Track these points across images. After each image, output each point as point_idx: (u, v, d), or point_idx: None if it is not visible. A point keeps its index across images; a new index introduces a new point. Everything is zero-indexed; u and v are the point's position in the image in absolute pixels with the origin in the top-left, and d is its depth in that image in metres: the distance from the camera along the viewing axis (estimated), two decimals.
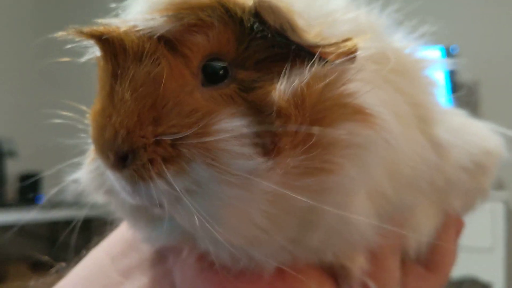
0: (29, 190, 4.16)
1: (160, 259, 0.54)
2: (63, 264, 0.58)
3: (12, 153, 4.06)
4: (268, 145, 0.41)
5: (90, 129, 0.44)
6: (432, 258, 0.60)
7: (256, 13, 0.44)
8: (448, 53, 3.10)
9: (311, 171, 0.41)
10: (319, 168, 0.42)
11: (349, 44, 0.45)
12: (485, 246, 2.85)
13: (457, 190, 0.60)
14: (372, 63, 0.46)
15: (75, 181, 0.52)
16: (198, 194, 0.41)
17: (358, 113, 0.43)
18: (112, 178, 0.44)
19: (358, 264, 0.51)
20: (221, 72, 0.44)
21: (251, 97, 0.43)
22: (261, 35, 0.44)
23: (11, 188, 4.24)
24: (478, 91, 3.36)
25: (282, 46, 0.44)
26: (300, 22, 0.45)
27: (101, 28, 0.44)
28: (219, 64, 0.44)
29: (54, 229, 4.35)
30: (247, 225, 0.41)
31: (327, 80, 0.42)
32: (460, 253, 0.65)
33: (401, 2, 0.57)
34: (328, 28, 0.46)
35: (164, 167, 0.41)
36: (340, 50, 0.44)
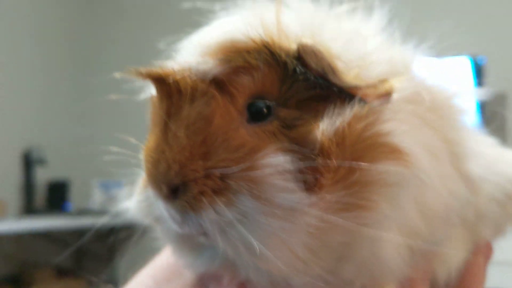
0: (57, 197, 4.25)
1: (201, 286, 0.57)
2: (110, 286, 0.62)
3: (41, 161, 4.16)
4: (310, 180, 0.44)
5: (144, 163, 0.47)
6: (461, 286, 0.62)
7: (299, 57, 0.47)
8: (476, 64, 3.08)
9: (349, 207, 0.44)
10: (356, 205, 0.44)
11: (386, 85, 0.48)
12: (510, 259, 2.82)
13: (488, 221, 0.61)
14: (407, 103, 0.49)
15: (126, 210, 0.56)
16: (244, 224, 0.44)
17: (393, 152, 0.46)
18: (163, 208, 0.47)
19: None
20: (265, 110, 0.47)
21: (293, 134, 0.46)
22: (303, 77, 0.47)
23: (40, 196, 4.33)
24: (506, 104, 3.32)
25: (323, 87, 0.47)
26: (340, 65, 0.48)
27: (158, 70, 0.47)
28: (263, 103, 0.48)
29: (80, 236, 4.42)
30: (288, 255, 0.44)
31: (367, 121, 0.46)
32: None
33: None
34: (365, 70, 0.49)
35: (215, 198, 0.44)
36: (378, 92, 0.47)
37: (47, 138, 4.31)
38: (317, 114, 0.47)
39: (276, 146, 0.45)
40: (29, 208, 4.17)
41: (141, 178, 0.55)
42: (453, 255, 0.59)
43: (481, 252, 0.64)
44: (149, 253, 0.62)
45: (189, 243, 0.52)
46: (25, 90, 4.28)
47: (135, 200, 0.55)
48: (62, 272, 4.10)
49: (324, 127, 0.45)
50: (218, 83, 0.47)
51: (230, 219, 0.44)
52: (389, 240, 0.47)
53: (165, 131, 0.46)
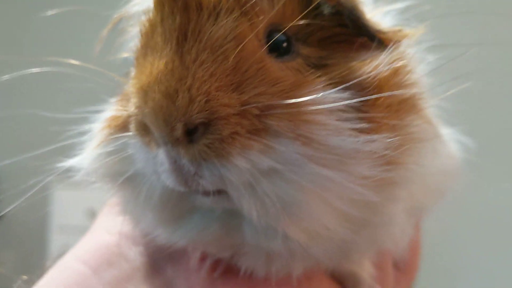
0: None
1: (156, 270, 0.47)
2: (25, 277, 0.48)
3: None
4: (365, 123, 0.37)
5: (145, 94, 0.35)
6: (406, 260, 0.60)
7: None
8: None
9: (388, 161, 0.38)
10: (392, 162, 0.38)
11: (404, 34, 0.44)
12: None
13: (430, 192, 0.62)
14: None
15: (77, 168, 0.43)
16: (281, 175, 0.35)
17: (416, 107, 0.42)
18: (166, 157, 0.36)
19: (368, 271, 0.50)
20: (284, 44, 0.40)
21: (329, 74, 0.39)
22: (326, 12, 0.41)
23: None
24: None
25: (348, 26, 0.42)
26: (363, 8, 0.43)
27: None
28: (283, 35, 0.39)
29: None
30: (327, 213, 0.37)
31: (408, 67, 0.41)
32: None
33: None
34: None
35: (249, 142, 0.34)
36: (397, 39, 0.43)
37: None
38: (346, 55, 0.41)
39: (323, 82, 0.37)
40: None
41: (103, 126, 0.43)
42: (410, 227, 0.58)
43: (418, 226, 0.64)
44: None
45: (175, 209, 0.41)
46: None
47: (91, 154, 0.42)
48: None
49: (378, 64, 0.39)
50: (238, 2, 0.38)
51: (268, 168, 0.35)
52: (403, 201, 0.43)
53: (179, 53, 0.35)
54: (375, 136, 0.36)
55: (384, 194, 0.39)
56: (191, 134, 0.34)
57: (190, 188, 0.37)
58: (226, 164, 0.35)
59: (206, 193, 0.38)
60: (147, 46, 0.37)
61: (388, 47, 0.41)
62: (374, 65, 0.39)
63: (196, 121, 0.34)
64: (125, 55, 0.49)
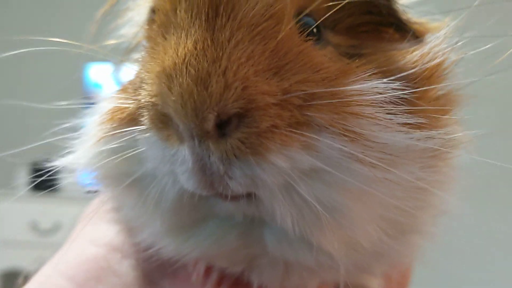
0: None
1: (151, 285, 0.41)
2: None
3: None
4: (417, 117, 0.32)
5: (171, 78, 0.29)
6: (401, 272, 0.58)
7: None
8: None
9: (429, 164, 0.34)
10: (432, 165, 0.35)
11: (435, 26, 0.41)
12: None
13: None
14: None
15: (73, 168, 0.36)
16: (323, 176, 0.31)
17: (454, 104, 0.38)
18: (190, 154, 0.30)
19: (377, 283, 0.46)
20: (314, 30, 0.35)
21: (371, 63, 0.35)
22: None
23: None
24: None
25: (377, 14, 0.38)
26: None
27: None
28: (312, 20, 0.35)
29: None
30: (370, 220, 0.33)
31: (450, 60, 0.38)
32: None
33: None
34: None
35: (289, 137, 0.30)
36: (426, 30, 0.40)
37: None
38: (379, 44, 0.38)
39: (369, 71, 0.33)
40: None
41: (103, 119, 0.36)
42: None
43: None
44: None
45: (191, 214, 0.35)
46: None
47: (92, 152, 0.36)
48: None
49: (423, 54, 0.36)
50: None
51: (309, 167, 0.30)
52: (435, 207, 0.39)
53: (211, 30, 0.30)
54: (432, 132, 0.32)
55: (419, 199, 0.35)
56: (222, 127, 0.29)
57: (216, 191, 0.31)
58: (262, 162, 0.29)
59: (235, 198, 0.32)
60: (167, 23, 0.32)
61: (426, 37, 0.38)
62: (420, 54, 0.35)
63: (231, 111, 0.29)
64: (115, 41, 0.44)
